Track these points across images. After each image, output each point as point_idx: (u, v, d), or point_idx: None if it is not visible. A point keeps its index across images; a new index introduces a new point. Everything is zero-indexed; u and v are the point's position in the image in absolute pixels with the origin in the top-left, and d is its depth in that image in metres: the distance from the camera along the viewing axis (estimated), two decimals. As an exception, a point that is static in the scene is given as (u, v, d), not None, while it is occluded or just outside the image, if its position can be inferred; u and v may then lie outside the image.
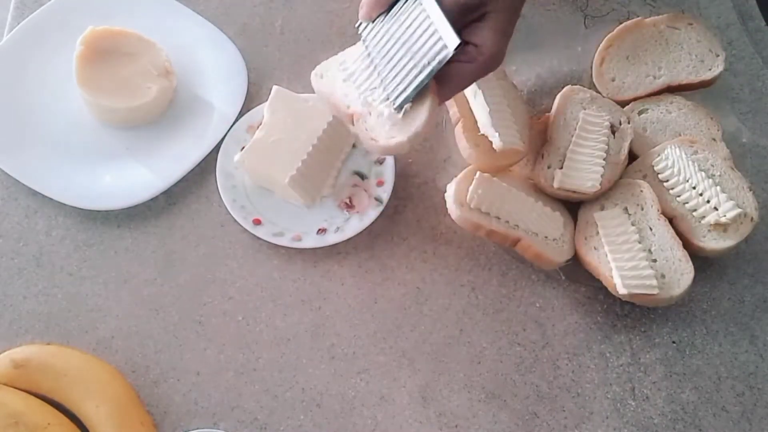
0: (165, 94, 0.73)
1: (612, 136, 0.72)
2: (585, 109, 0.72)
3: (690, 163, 0.71)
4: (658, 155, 0.73)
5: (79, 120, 0.74)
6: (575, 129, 0.71)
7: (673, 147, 0.72)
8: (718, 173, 0.71)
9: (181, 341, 0.67)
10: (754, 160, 0.78)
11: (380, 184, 0.73)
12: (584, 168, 0.70)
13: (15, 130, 0.72)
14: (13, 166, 0.71)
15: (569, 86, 0.74)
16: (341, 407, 0.66)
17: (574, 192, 0.70)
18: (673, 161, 0.72)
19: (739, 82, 0.83)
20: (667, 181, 0.72)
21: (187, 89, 0.76)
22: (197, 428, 0.63)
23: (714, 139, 0.74)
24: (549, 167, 0.70)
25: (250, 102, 0.76)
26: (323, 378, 0.67)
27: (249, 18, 0.81)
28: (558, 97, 0.73)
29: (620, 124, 0.73)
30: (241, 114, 0.75)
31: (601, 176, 0.69)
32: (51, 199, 0.70)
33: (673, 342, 0.71)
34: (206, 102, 0.76)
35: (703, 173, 0.71)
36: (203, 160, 0.73)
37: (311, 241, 0.70)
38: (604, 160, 0.70)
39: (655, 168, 0.73)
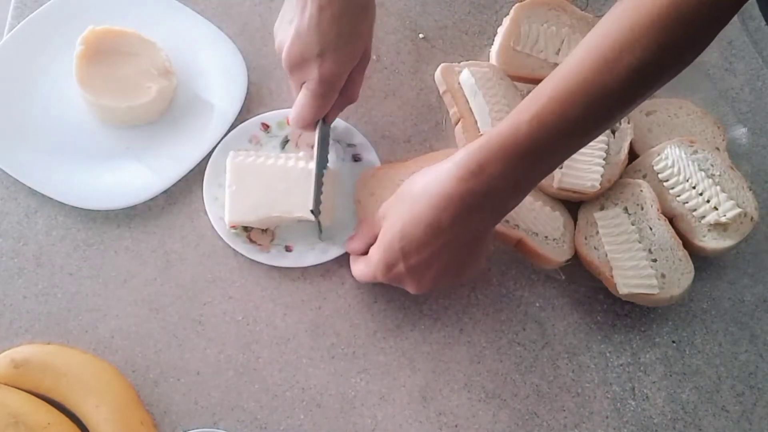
0: (165, 93, 0.73)
1: (612, 135, 0.72)
2: None
3: (690, 162, 0.71)
4: (658, 155, 0.73)
5: (79, 120, 0.74)
6: None
7: (672, 147, 0.72)
8: (718, 173, 0.71)
9: (181, 341, 0.67)
10: (754, 160, 0.78)
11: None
12: (584, 168, 0.70)
13: (15, 130, 0.72)
14: (13, 165, 0.71)
15: None
16: (341, 407, 0.66)
17: (574, 192, 0.70)
18: (673, 161, 0.72)
19: (739, 82, 0.83)
20: (667, 180, 0.72)
21: (187, 89, 0.76)
22: (197, 428, 0.63)
23: (717, 149, 0.74)
24: None
25: (250, 102, 0.76)
26: (323, 377, 0.67)
27: (249, 18, 0.81)
28: None
29: (620, 123, 0.73)
30: (233, 126, 0.74)
31: (601, 176, 0.70)
32: (51, 198, 0.70)
33: (673, 342, 0.71)
34: (206, 102, 0.76)
35: (702, 173, 0.71)
36: (203, 160, 0.73)
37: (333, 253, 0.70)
38: (604, 159, 0.70)
39: (655, 168, 0.73)
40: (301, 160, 0.70)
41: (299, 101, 0.67)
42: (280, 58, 0.67)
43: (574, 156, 0.69)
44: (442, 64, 0.73)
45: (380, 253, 0.62)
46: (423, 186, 0.59)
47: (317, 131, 0.69)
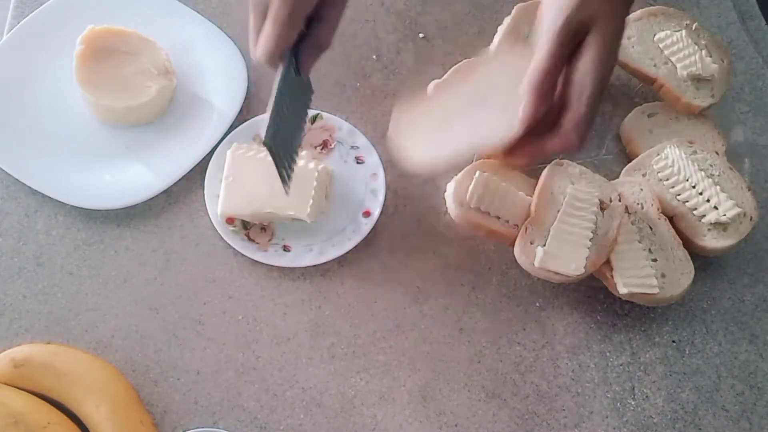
0: (165, 93, 0.73)
1: (601, 214, 0.67)
2: (573, 184, 0.68)
3: (689, 162, 0.71)
4: (658, 154, 0.73)
5: (79, 119, 0.74)
6: (562, 204, 0.67)
7: (672, 146, 0.73)
8: (717, 173, 0.71)
9: (181, 340, 0.67)
10: (754, 159, 0.78)
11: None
12: (569, 248, 0.65)
13: (15, 130, 0.72)
14: (13, 165, 0.71)
15: (557, 160, 0.70)
16: (341, 406, 0.66)
17: (557, 273, 0.65)
18: (673, 160, 0.72)
19: (739, 82, 0.83)
20: (667, 180, 0.72)
21: (186, 88, 0.76)
22: (197, 427, 0.63)
23: (716, 153, 0.74)
24: (532, 243, 0.66)
25: (250, 102, 0.76)
26: (323, 377, 0.67)
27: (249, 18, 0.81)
28: (546, 169, 0.69)
29: (610, 201, 0.68)
30: (233, 125, 0.74)
31: (586, 258, 0.65)
32: (51, 198, 0.70)
33: (673, 341, 0.71)
34: (206, 101, 0.76)
35: (702, 173, 0.71)
36: (203, 159, 0.73)
37: (331, 253, 0.70)
38: (590, 240, 0.65)
39: (655, 167, 0.73)
40: (302, 159, 0.70)
41: (263, 31, 0.60)
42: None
43: (559, 234, 0.66)
44: (433, 83, 0.72)
45: (605, 65, 0.56)
46: None
47: (281, 70, 0.62)
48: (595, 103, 0.57)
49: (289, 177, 0.63)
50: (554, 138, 0.58)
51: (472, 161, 0.59)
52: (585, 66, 0.56)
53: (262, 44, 0.61)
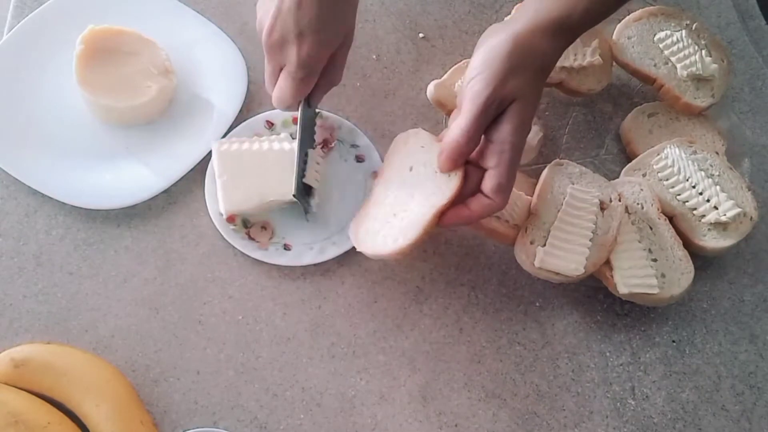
0: (165, 93, 0.73)
1: (601, 214, 0.67)
2: (573, 184, 0.68)
3: (689, 162, 0.72)
4: (658, 154, 0.73)
5: (79, 119, 0.74)
6: (562, 204, 0.67)
7: (672, 146, 0.73)
8: (717, 173, 0.71)
9: (181, 340, 0.67)
10: (754, 159, 0.78)
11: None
12: (569, 248, 0.65)
13: (15, 130, 0.72)
14: (13, 165, 0.71)
15: (557, 160, 0.70)
16: (341, 406, 0.66)
17: (557, 273, 0.65)
18: (673, 160, 0.72)
19: (739, 82, 0.84)
20: (667, 179, 0.72)
21: (187, 88, 0.76)
22: (197, 427, 0.63)
23: (716, 153, 0.74)
24: (532, 243, 0.66)
25: (250, 101, 0.76)
26: (323, 377, 0.67)
27: (249, 18, 0.81)
28: (546, 169, 0.69)
29: (610, 201, 0.68)
30: (233, 125, 0.74)
31: (587, 258, 0.65)
32: (51, 198, 0.70)
33: (673, 341, 0.71)
34: (206, 101, 0.76)
35: (702, 173, 0.71)
36: (203, 159, 0.73)
37: (330, 253, 0.70)
38: (590, 240, 0.66)
39: (655, 167, 0.73)
40: (285, 141, 0.70)
41: (279, 83, 0.65)
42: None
43: (559, 234, 0.66)
44: (433, 84, 0.72)
45: (520, 137, 0.60)
46: (533, 55, 0.60)
47: (299, 112, 0.68)
48: (515, 166, 0.59)
49: (310, 206, 0.69)
50: (480, 202, 0.60)
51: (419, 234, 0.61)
52: (506, 131, 0.59)
53: (279, 95, 0.66)
